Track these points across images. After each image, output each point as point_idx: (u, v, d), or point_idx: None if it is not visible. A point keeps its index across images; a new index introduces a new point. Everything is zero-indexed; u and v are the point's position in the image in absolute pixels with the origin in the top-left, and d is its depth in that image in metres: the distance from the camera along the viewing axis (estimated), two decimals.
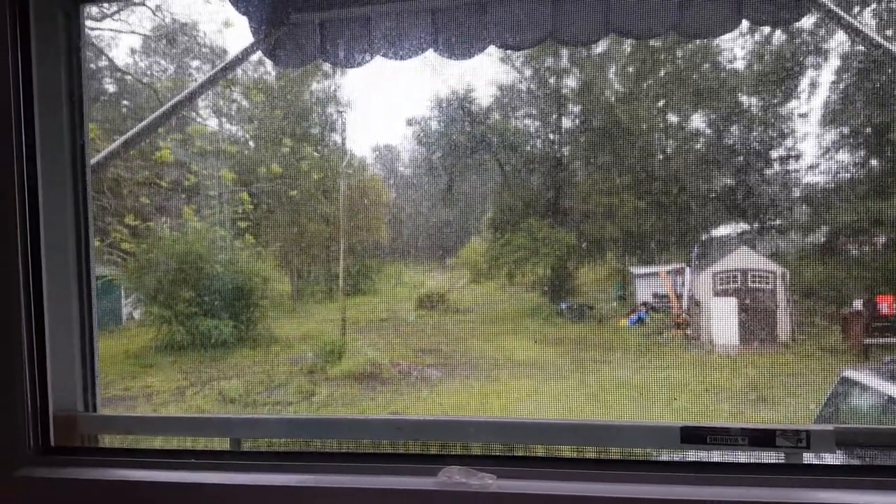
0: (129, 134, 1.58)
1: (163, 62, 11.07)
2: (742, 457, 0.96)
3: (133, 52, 10.79)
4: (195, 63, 11.00)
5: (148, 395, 8.20)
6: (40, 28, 0.93)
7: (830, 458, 0.94)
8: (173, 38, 9.37)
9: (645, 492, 0.85)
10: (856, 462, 0.97)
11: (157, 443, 1.04)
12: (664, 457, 0.98)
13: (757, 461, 0.94)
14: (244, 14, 2.07)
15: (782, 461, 0.93)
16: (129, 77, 10.04)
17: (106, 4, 7.17)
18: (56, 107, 0.97)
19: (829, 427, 0.89)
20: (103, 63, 9.35)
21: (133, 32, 9.70)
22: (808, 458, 0.93)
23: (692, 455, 0.99)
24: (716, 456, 0.99)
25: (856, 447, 0.93)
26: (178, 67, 10.44)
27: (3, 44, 0.89)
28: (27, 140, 0.93)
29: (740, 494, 0.86)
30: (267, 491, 0.92)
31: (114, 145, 1.49)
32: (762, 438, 0.91)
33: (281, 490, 0.92)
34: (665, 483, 0.87)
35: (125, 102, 11.45)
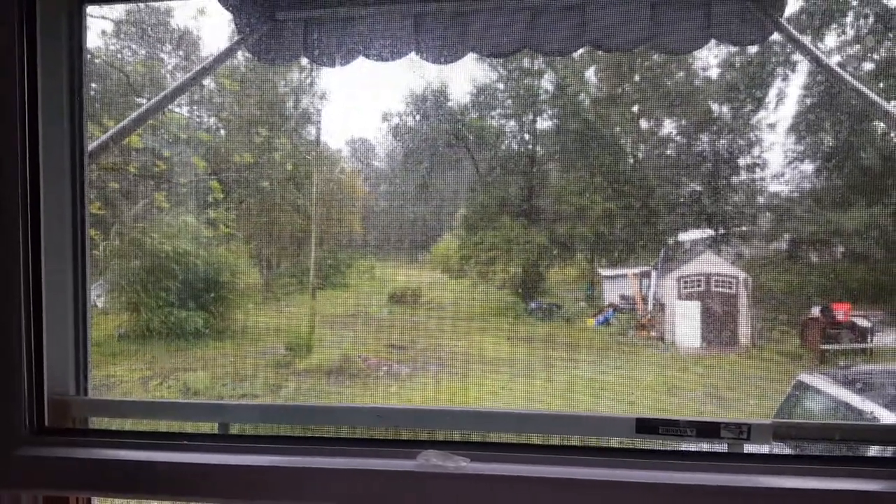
0: (118, 127, 1.60)
1: (133, 46, 10.77)
2: (691, 446, 1.06)
3: (104, 34, 10.47)
4: (167, 48, 10.74)
5: (109, 386, 8.04)
6: (46, 28, 0.97)
7: (768, 449, 1.04)
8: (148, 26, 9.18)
9: (604, 475, 0.94)
10: (791, 452, 1.08)
11: (147, 426, 1.09)
12: (620, 444, 1.08)
13: (704, 450, 1.04)
14: (230, 10, 2.09)
15: (726, 451, 1.03)
16: (98, 60, 9.78)
17: None
18: (58, 103, 1.01)
19: (768, 421, 1.00)
20: None
21: (104, 18, 9.46)
22: (750, 448, 1.04)
23: (646, 444, 1.09)
24: (667, 445, 1.09)
25: (791, 439, 1.04)
26: (150, 52, 10.20)
27: (11, 43, 0.93)
28: (31, 133, 0.97)
29: (688, 479, 0.96)
30: (252, 471, 0.98)
31: (104, 137, 1.52)
32: (708, 430, 1.02)
33: (266, 470, 0.98)
34: (621, 467, 0.96)
35: (94, 86, 11.14)
